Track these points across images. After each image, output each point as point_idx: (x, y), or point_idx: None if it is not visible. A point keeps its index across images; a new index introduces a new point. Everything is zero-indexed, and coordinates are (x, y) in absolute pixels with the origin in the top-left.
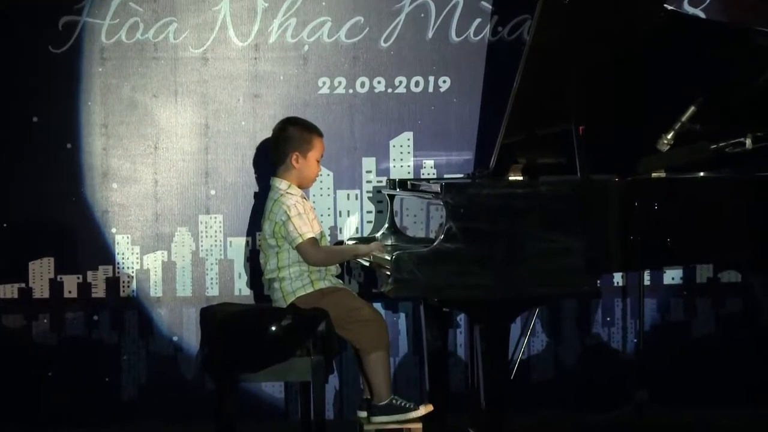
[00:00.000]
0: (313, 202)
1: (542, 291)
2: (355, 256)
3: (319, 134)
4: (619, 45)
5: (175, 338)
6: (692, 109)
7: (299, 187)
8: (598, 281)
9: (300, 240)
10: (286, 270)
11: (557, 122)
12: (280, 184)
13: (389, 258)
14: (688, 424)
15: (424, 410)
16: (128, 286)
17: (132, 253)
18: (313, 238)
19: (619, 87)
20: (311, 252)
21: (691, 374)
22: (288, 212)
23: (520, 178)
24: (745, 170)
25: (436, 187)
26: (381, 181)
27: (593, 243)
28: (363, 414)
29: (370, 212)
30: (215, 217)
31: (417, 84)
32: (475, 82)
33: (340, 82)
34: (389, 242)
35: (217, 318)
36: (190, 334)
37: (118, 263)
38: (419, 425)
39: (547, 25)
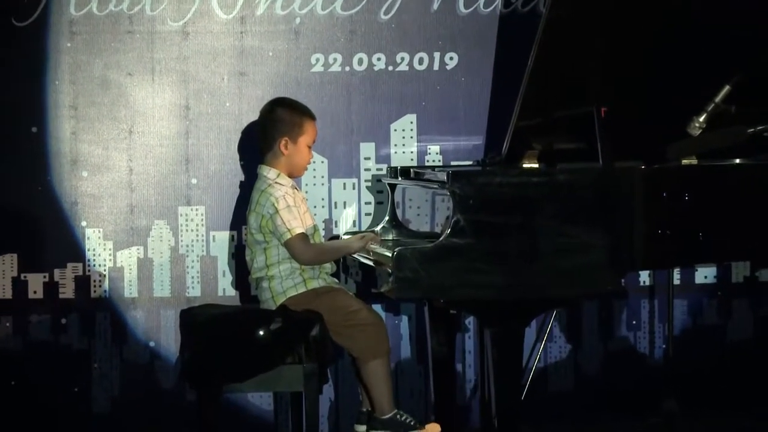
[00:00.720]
0: (305, 192)
1: (560, 291)
2: (348, 252)
3: (312, 117)
4: (645, 18)
5: (151, 344)
6: (727, 88)
7: (289, 176)
8: (623, 280)
9: (288, 235)
10: (276, 268)
11: (577, 103)
12: (268, 172)
13: (390, 255)
14: None
15: (430, 430)
16: (100, 286)
17: (104, 249)
18: (302, 233)
19: (645, 64)
20: (301, 249)
21: (726, 382)
22: (276, 204)
23: (536, 165)
24: None
25: (443, 176)
26: (381, 169)
27: (617, 238)
28: (361, 428)
29: (369, 204)
30: (197, 209)
31: (421, 61)
32: (485, 58)
33: (335, 59)
34: (390, 237)
35: (198, 321)
36: (168, 339)
37: (89, 260)
38: None
39: None
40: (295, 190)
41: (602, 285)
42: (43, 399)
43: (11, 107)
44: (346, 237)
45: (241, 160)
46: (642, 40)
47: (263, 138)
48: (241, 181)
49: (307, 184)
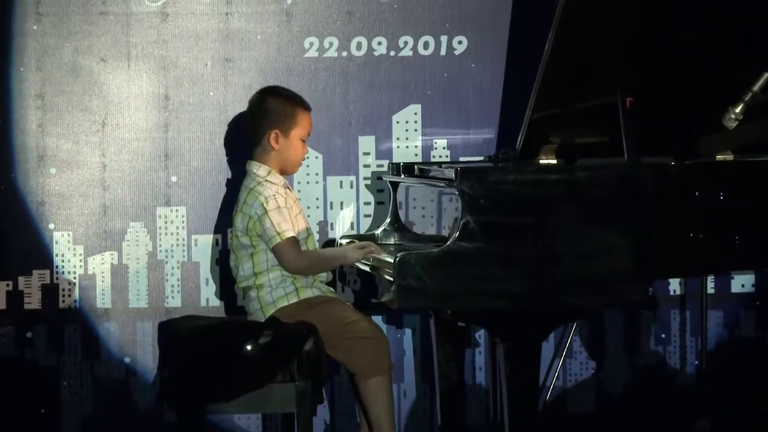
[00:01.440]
0: (298, 192)
1: (581, 301)
2: (344, 263)
3: (306, 107)
4: None
5: (127, 360)
6: (766, 76)
7: (281, 173)
8: (651, 289)
9: (277, 239)
10: (265, 275)
11: (599, 93)
12: (258, 169)
13: (391, 260)
14: None
15: None
16: (69, 296)
17: (74, 255)
18: (293, 238)
19: (675, 49)
20: (290, 255)
21: (765, 402)
22: (265, 205)
23: (554, 161)
24: None
25: (450, 173)
26: (382, 166)
27: (644, 241)
28: None
29: (369, 204)
30: (177, 210)
31: (426, 45)
32: (497, 43)
33: (331, 44)
34: (392, 241)
35: (179, 335)
36: (145, 355)
37: (57, 267)
38: None
39: None
40: (288, 190)
41: (628, 294)
42: (7, 421)
43: None
44: (343, 242)
45: (226, 155)
46: (671, 22)
47: (252, 131)
48: (227, 179)
49: (299, 183)
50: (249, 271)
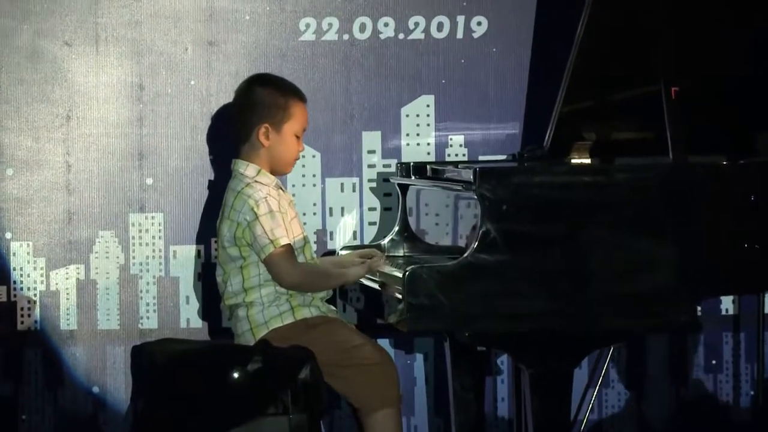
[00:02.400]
0: (293, 195)
1: (618, 322)
2: (345, 282)
3: (301, 98)
4: None
5: (95, 389)
6: None
7: (272, 173)
8: (698, 308)
9: (270, 249)
10: (256, 292)
11: (639, 82)
12: (246, 169)
13: (400, 275)
14: None
15: None
16: (29, 316)
17: (34, 269)
18: (288, 246)
19: (728, 31)
20: (284, 267)
21: None
22: (255, 209)
23: (588, 160)
24: None
25: (468, 174)
26: (389, 166)
27: (692, 253)
28: None
29: (374, 210)
30: (153, 217)
31: (440, 27)
32: (522, 24)
33: (330, 25)
34: (401, 252)
35: (155, 360)
36: (116, 384)
37: (15, 283)
38: None
39: None
40: (281, 192)
41: (672, 314)
42: None
43: None
44: (343, 254)
45: (210, 153)
46: (724, 3)
47: (239, 125)
48: (210, 181)
49: (294, 185)
50: (238, 287)
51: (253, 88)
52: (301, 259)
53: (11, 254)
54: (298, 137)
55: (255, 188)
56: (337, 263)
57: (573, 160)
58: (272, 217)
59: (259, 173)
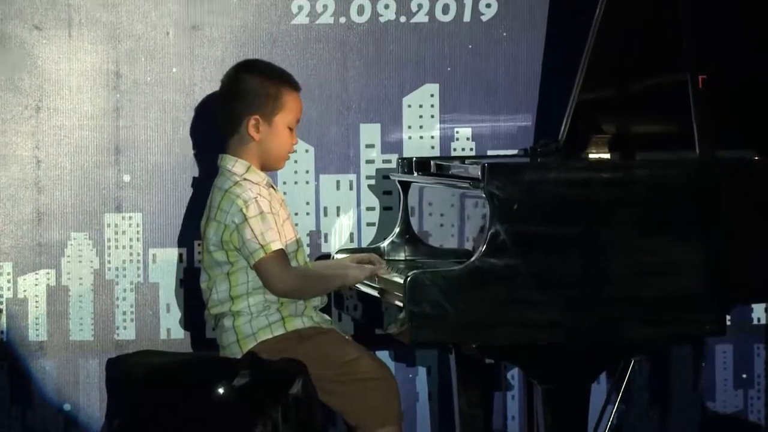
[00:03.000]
0: (284, 193)
1: (640, 333)
2: (344, 284)
3: (294, 87)
4: None
5: (66, 407)
6: None
7: (263, 169)
8: (728, 316)
9: (261, 253)
10: (244, 300)
11: (663, 69)
12: (234, 165)
13: (401, 281)
14: None
15: None
16: None
17: (0, 274)
18: (280, 251)
19: (760, 16)
20: (277, 273)
21: None
22: (244, 210)
23: (606, 155)
24: None
25: (476, 171)
26: (389, 161)
27: (720, 257)
28: None
29: (372, 209)
30: (131, 218)
31: (446, 9)
32: (535, 6)
33: (325, 7)
34: (402, 256)
35: (132, 375)
36: (90, 400)
37: None
38: None
39: None
40: (272, 190)
41: (699, 323)
42: None
43: None
44: (339, 257)
45: (194, 148)
46: None
47: (226, 117)
48: (194, 178)
49: (285, 183)
50: (224, 295)
51: (241, 75)
52: (293, 264)
53: None
54: (291, 130)
55: (244, 187)
56: (332, 267)
57: (590, 156)
58: (263, 220)
59: (249, 170)
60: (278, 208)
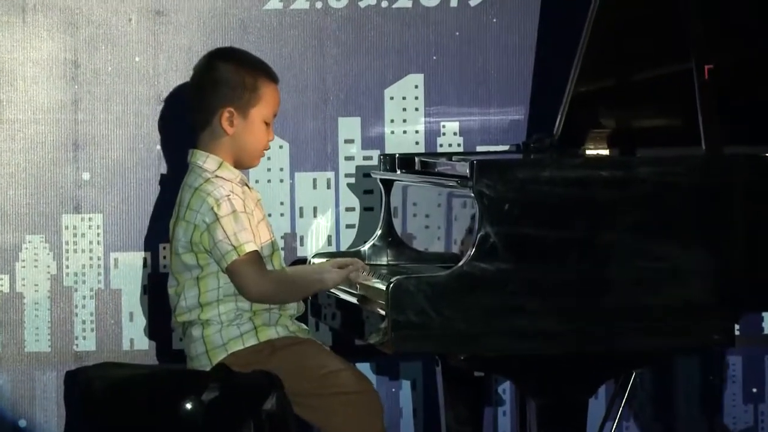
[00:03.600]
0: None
1: (642, 343)
2: (322, 288)
3: (272, 78)
4: None
5: (22, 423)
6: None
7: (236, 166)
8: (736, 325)
9: (234, 255)
10: (214, 308)
11: (666, 58)
12: (205, 161)
13: (383, 288)
14: None
15: None
16: None
17: None
18: (254, 253)
19: None
20: (251, 276)
21: None
22: (215, 209)
23: (605, 152)
24: None
25: (464, 168)
26: (370, 158)
27: (728, 261)
28: None
29: (352, 210)
30: (90, 219)
31: None
32: None
33: None
34: (384, 260)
35: (93, 389)
36: (47, 416)
37: None
38: None
39: None
40: (246, 188)
41: (705, 333)
42: None
43: None
44: (316, 261)
45: (160, 142)
46: None
47: (196, 109)
48: (161, 175)
49: (258, 181)
50: (193, 301)
51: (215, 64)
52: (269, 268)
53: None
54: (267, 124)
55: (216, 184)
56: (309, 271)
57: (588, 152)
58: (236, 219)
59: (221, 166)
60: (253, 208)
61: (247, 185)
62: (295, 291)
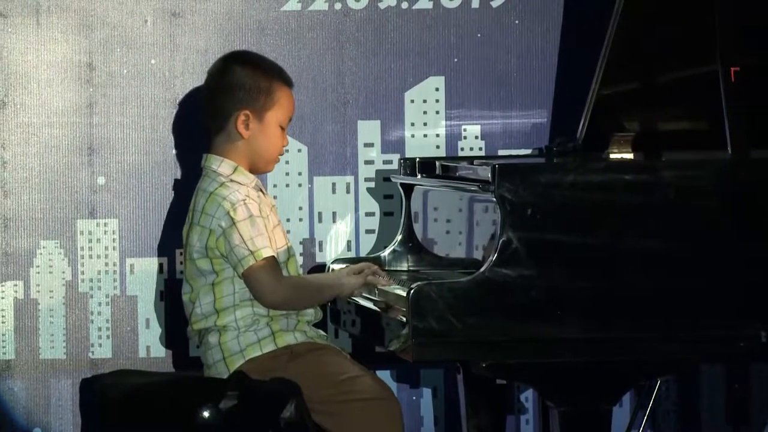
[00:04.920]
0: (274, 197)
1: (667, 350)
2: (340, 293)
3: (287, 82)
4: None
5: (36, 431)
6: None
7: (251, 171)
8: (764, 333)
9: (251, 260)
10: (230, 314)
11: (691, 61)
12: (219, 165)
13: (404, 294)
14: None
15: None
16: None
17: None
18: (271, 258)
19: None
20: (267, 283)
21: None
22: (231, 214)
23: (629, 155)
24: None
25: (485, 172)
26: (390, 162)
27: (756, 266)
28: None
29: (372, 215)
30: (106, 224)
31: None
32: None
33: None
34: (405, 266)
35: (109, 397)
36: (62, 424)
37: None
38: None
39: None
40: (261, 194)
41: (733, 340)
42: None
43: None
44: (335, 267)
45: (175, 147)
46: None
47: (211, 113)
48: (175, 180)
49: (275, 186)
50: (209, 308)
51: (230, 67)
52: (285, 274)
53: None
54: (282, 129)
55: (231, 188)
56: (326, 277)
57: (612, 156)
58: (252, 224)
59: (236, 171)
60: (268, 213)
61: (261, 190)
62: (312, 297)
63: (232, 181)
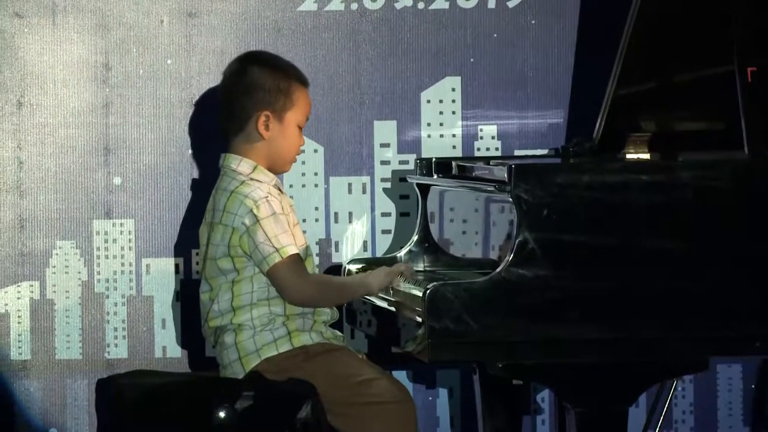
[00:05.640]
0: (291, 197)
1: (684, 349)
2: (368, 292)
3: (303, 83)
4: None
5: (53, 431)
6: None
7: (271, 170)
8: None
9: (276, 258)
10: (246, 312)
11: (708, 61)
12: (239, 164)
13: (420, 294)
14: None
15: None
16: None
17: None
18: (296, 256)
19: None
20: (292, 280)
21: None
22: (255, 211)
23: (646, 156)
24: None
25: (502, 173)
26: (406, 162)
27: None
28: None
29: (388, 215)
30: (122, 224)
31: None
32: None
33: None
34: (421, 266)
35: (125, 397)
36: (78, 425)
37: None
38: None
39: None
40: (281, 193)
41: (750, 340)
42: None
43: None
44: (351, 268)
45: (192, 147)
46: None
47: (229, 114)
48: (192, 180)
49: (292, 186)
50: (226, 305)
51: (249, 68)
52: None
53: None
54: (300, 128)
55: (252, 186)
56: (352, 275)
57: (628, 156)
58: (276, 221)
59: (256, 169)
60: (288, 211)
61: (280, 189)
62: (339, 294)
63: (252, 179)
